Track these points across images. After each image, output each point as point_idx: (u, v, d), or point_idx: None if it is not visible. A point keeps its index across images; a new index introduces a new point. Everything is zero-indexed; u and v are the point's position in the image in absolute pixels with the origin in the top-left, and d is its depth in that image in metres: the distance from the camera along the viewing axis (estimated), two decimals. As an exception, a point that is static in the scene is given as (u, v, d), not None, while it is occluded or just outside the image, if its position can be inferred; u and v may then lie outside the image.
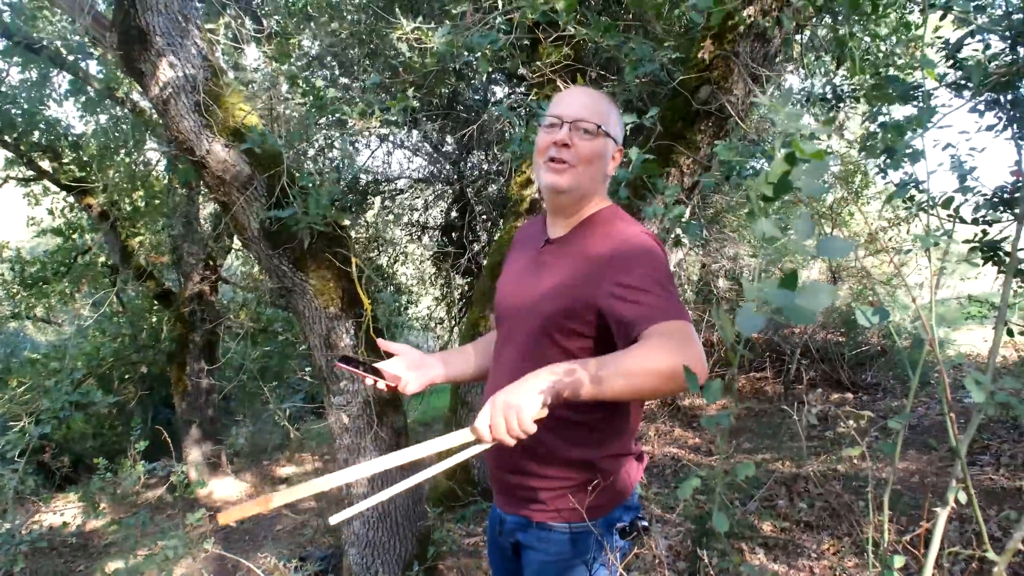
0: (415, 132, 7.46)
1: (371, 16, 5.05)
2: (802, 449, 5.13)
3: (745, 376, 7.78)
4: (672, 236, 3.42)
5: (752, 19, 3.05)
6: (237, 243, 7.98)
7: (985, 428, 5.06)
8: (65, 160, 7.00)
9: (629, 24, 3.96)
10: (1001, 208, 2.17)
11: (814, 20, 4.28)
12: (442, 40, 3.13)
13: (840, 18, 3.66)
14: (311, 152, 6.01)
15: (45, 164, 6.98)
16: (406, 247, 8.59)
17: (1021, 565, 3.11)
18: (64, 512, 6.03)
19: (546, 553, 1.58)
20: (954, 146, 2.09)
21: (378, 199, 7.96)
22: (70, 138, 6.79)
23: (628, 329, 1.38)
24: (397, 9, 3.50)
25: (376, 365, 1.70)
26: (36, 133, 6.54)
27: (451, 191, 7.91)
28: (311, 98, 3.32)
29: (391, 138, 7.42)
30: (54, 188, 7.54)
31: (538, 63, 4.05)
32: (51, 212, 8.10)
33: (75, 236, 8.15)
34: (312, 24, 5.58)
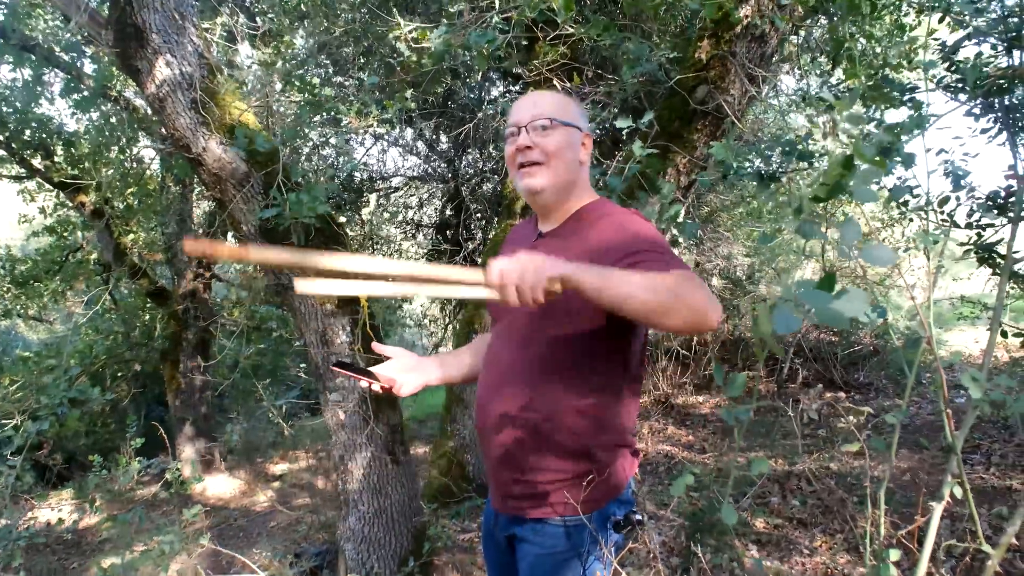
0: (410, 130, 7.46)
1: (366, 14, 5.04)
2: (796, 446, 5.16)
3: (754, 377, 7.81)
4: (668, 236, 3.44)
5: (749, 20, 3.07)
6: (231, 240, 7.97)
7: (976, 428, 5.09)
8: (58, 158, 6.97)
9: (626, 24, 3.97)
10: (995, 212, 2.19)
11: (809, 21, 4.31)
12: (439, 40, 3.14)
13: (836, 19, 3.68)
14: (306, 150, 6.01)
15: (37, 162, 6.95)
16: (401, 245, 8.59)
17: (1011, 563, 3.14)
18: (62, 509, 6.02)
19: (541, 546, 1.59)
20: (947, 151, 2.11)
21: (373, 197, 7.95)
22: (63, 136, 6.76)
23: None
24: (394, 8, 3.50)
25: (371, 368, 1.71)
26: (28, 131, 6.51)
27: (446, 189, 7.91)
28: (306, 96, 3.33)
29: (386, 136, 7.42)
30: (46, 186, 7.50)
31: (534, 62, 4.06)
32: (43, 211, 8.07)
33: (67, 234, 8.12)
34: (306, 22, 5.58)
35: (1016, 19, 1.76)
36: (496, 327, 1.73)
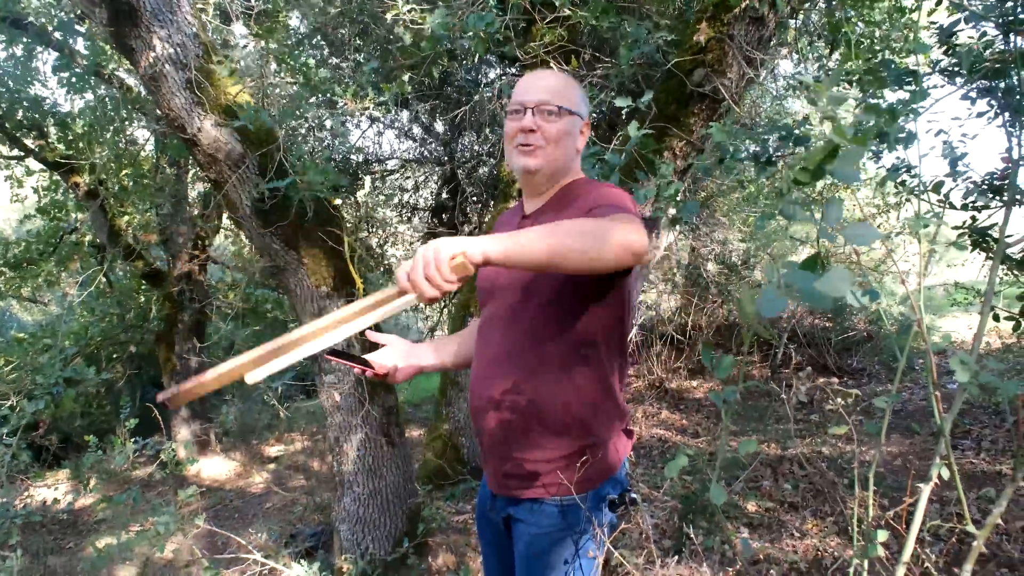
0: (406, 113, 7.43)
1: (363, -6, 5.01)
2: (788, 431, 5.19)
3: (742, 360, 7.83)
4: (667, 216, 3.44)
5: (748, 2, 3.05)
6: (226, 222, 7.95)
7: (967, 413, 5.13)
8: (51, 138, 6.93)
9: (624, 6, 3.95)
10: (990, 195, 2.20)
11: (807, 4, 4.29)
12: (438, 22, 3.12)
13: (835, 2, 3.66)
14: (302, 131, 5.98)
15: (30, 142, 6.90)
16: (396, 228, 8.57)
17: (998, 545, 3.18)
18: (58, 488, 6.04)
19: (537, 526, 1.61)
20: (946, 132, 2.12)
21: (369, 179, 7.93)
22: (56, 116, 6.71)
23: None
24: (391, -12, 3.48)
25: (364, 356, 1.72)
26: (20, 111, 6.46)
27: (442, 172, 7.89)
28: (301, 77, 3.31)
29: (382, 118, 7.38)
30: (38, 168, 7.46)
31: (532, 44, 4.04)
32: (36, 191, 8.03)
33: (61, 215, 8.08)
34: (301, 1, 5.53)
35: (1013, 2, 1.76)
36: (484, 311, 1.74)
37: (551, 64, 3.88)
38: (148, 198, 7.45)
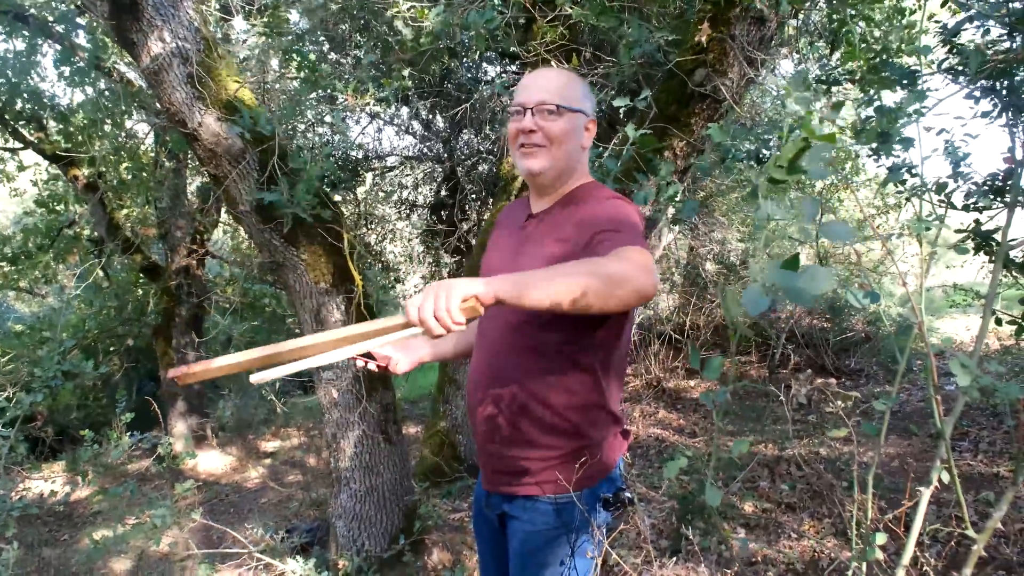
0: (406, 109, 7.41)
1: (364, -10, 4.99)
2: (786, 431, 5.19)
3: (729, 359, 7.84)
4: (667, 216, 3.43)
5: (749, 1, 3.05)
6: (225, 217, 7.93)
7: (965, 415, 5.13)
8: (51, 131, 6.91)
9: (625, 5, 3.94)
10: (992, 195, 2.19)
11: (808, 4, 4.28)
12: (438, 18, 3.11)
13: (836, 1, 3.66)
14: (301, 127, 5.97)
15: (28, 134, 6.89)
16: (395, 225, 8.57)
17: (996, 548, 3.18)
18: (54, 481, 6.03)
19: (532, 524, 1.61)
20: (948, 131, 2.11)
21: (368, 176, 7.92)
22: (56, 109, 6.70)
23: (589, 251, 1.43)
24: (392, -17, 3.47)
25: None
26: (19, 103, 6.44)
27: (441, 169, 7.88)
28: (304, 72, 3.30)
29: (382, 115, 7.37)
30: (33, 162, 7.45)
31: (532, 42, 4.03)
32: (35, 183, 8.01)
33: (59, 208, 8.07)
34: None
35: (1018, 2, 1.75)
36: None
37: (552, 62, 3.87)
38: (147, 192, 7.44)
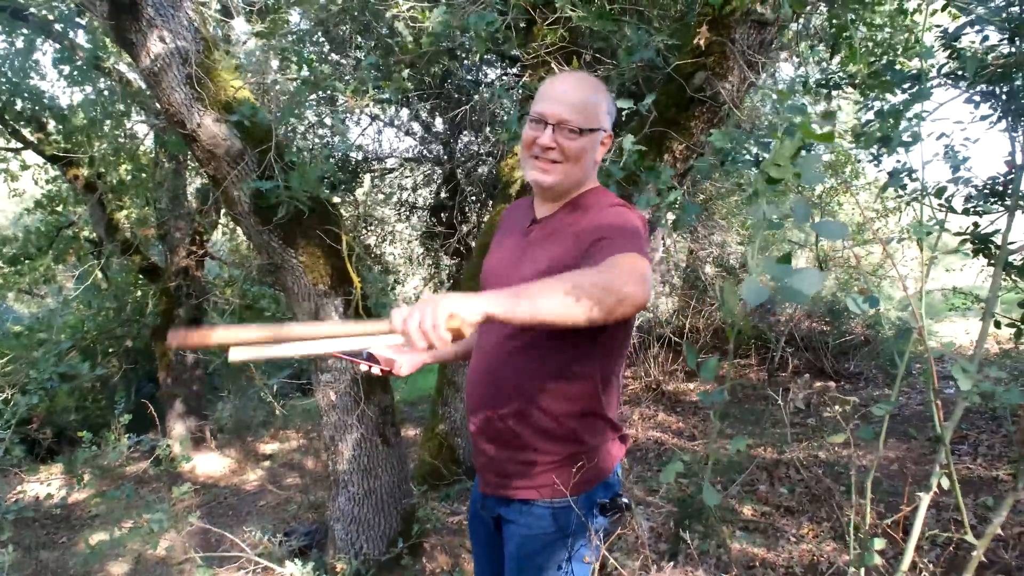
0: (405, 111, 7.41)
1: (364, -8, 4.99)
2: (785, 435, 5.18)
3: (728, 361, 7.83)
4: (668, 221, 3.43)
5: (750, 5, 3.04)
6: (224, 218, 7.93)
7: (964, 418, 5.13)
8: (50, 131, 6.91)
9: (625, 8, 3.94)
10: (992, 199, 2.19)
11: (808, 8, 4.28)
12: (438, 20, 3.11)
13: (837, 5, 3.65)
14: (301, 129, 5.97)
15: (28, 134, 6.88)
16: (395, 226, 8.56)
17: (995, 552, 3.17)
18: (51, 483, 6.01)
19: (528, 527, 1.60)
20: (948, 135, 2.11)
21: (368, 177, 7.91)
22: (55, 109, 6.69)
23: (584, 257, 1.43)
24: (392, -15, 3.46)
25: (370, 349, 1.72)
26: (19, 103, 6.44)
27: (441, 171, 7.87)
28: (304, 72, 3.29)
29: (382, 116, 7.37)
30: (34, 162, 7.45)
31: (533, 45, 4.02)
32: (36, 181, 8.01)
33: (60, 209, 8.07)
34: (303, -1, 5.51)
35: (1018, 7, 1.75)
36: None
37: (552, 65, 3.87)
38: (146, 193, 7.43)
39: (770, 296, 1.03)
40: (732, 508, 4.04)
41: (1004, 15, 1.76)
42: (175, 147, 5.65)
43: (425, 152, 7.94)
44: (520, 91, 4.25)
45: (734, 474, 4.50)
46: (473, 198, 7.68)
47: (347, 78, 4.72)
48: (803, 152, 1.03)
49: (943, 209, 1.82)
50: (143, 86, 5.79)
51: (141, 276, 7.78)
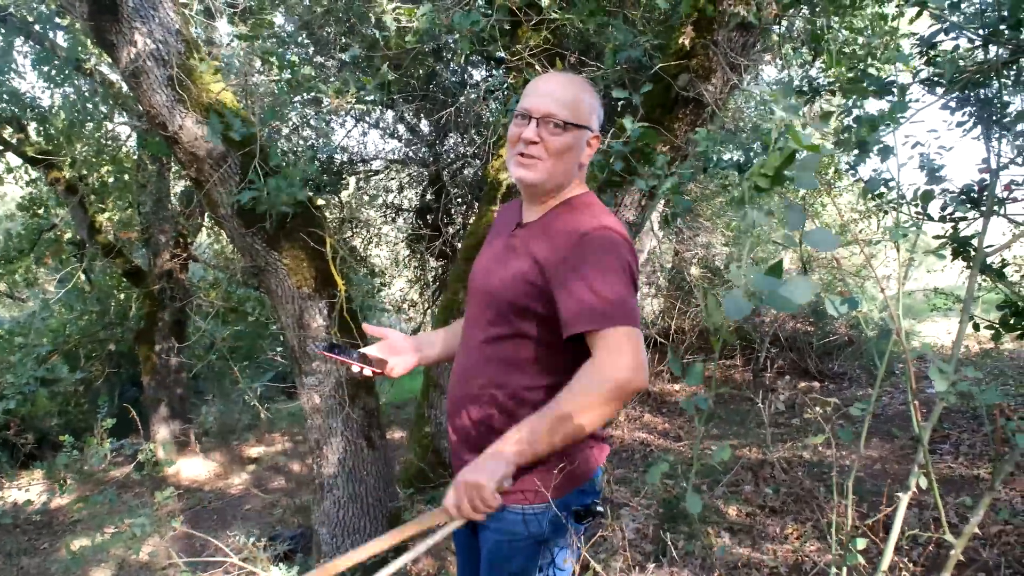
0: (391, 113, 7.39)
1: (348, -7, 4.98)
2: (768, 436, 5.21)
3: (713, 366, 7.86)
4: (656, 214, 3.45)
5: (732, 7, 3.06)
6: (208, 221, 7.88)
7: (945, 418, 5.18)
8: (31, 132, 6.84)
9: (610, 10, 3.96)
10: (968, 206, 2.21)
11: (791, 11, 4.31)
12: (424, 15, 3.11)
13: (818, 10, 3.68)
14: (285, 131, 5.94)
15: (8, 134, 6.81)
16: (380, 229, 8.54)
17: (975, 550, 3.20)
18: (29, 489, 5.95)
19: (498, 532, 1.59)
20: (923, 144, 2.13)
21: (353, 179, 7.89)
22: (36, 110, 6.63)
23: (566, 325, 1.44)
24: (376, -13, 3.46)
25: (362, 350, 1.71)
26: (-1, 104, 6.38)
27: (427, 173, 7.86)
28: (286, 74, 3.29)
29: (367, 118, 7.35)
30: (17, 163, 7.37)
31: (517, 47, 4.03)
32: (16, 180, 7.92)
33: (41, 211, 7.99)
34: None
35: (992, 14, 1.77)
36: (468, 312, 1.73)
37: (536, 67, 3.87)
38: (129, 195, 7.37)
39: (757, 302, 1.03)
40: (717, 509, 4.05)
41: (978, 22, 1.78)
42: (158, 149, 5.60)
43: (410, 154, 7.92)
44: (505, 92, 4.26)
45: (719, 475, 4.52)
46: (459, 200, 7.68)
47: (331, 79, 4.71)
48: (797, 157, 1.03)
49: (920, 216, 1.84)
50: (125, 87, 5.75)
51: (124, 279, 7.71)
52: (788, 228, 1.05)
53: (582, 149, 1.60)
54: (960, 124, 2.19)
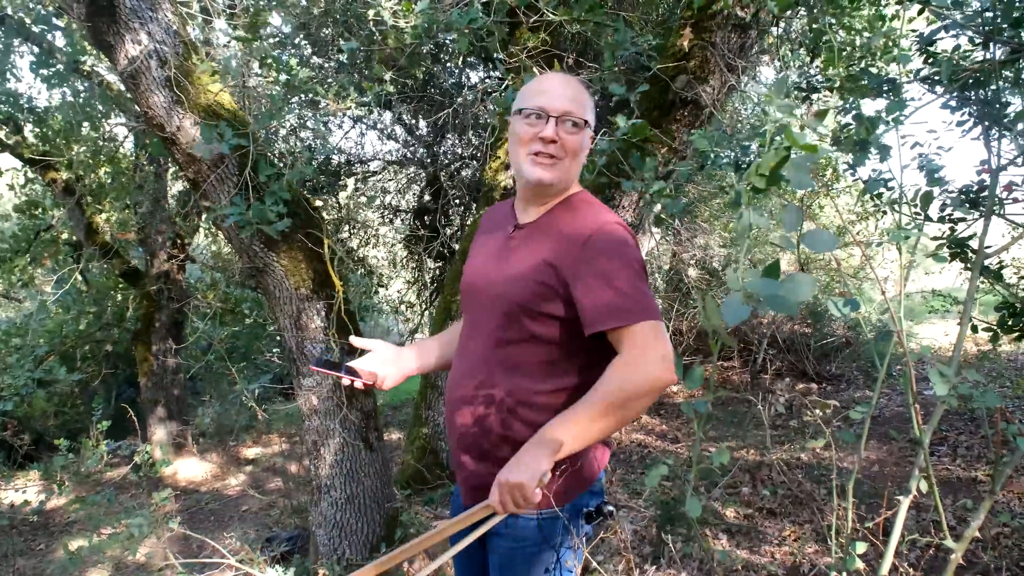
0: (388, 114, 7.39)
1: (346, -6, 4.97)
2: (767, 438, 5.21)
3: (711, 368, 7.86)
4: (652, 215, 3.44)
5: (730, 8, 3.06)
6: (205, 222, 7.86)
7: (943, 420, 5.18)
8: (27, 133, 6.82)
9: (608, 12, 3.96)
10: (968, 206, 2.21)
11: (788, 12, 4.30)
12: (422, 11, 3.10)
13: (816, 11, 3.68)
14: (282, 132, 5.93)
15: (4, 135, 6.79)
16: (378, 230, 8.53)
17: (974, 553, 3.20)
18: (26, 490, 5.93)
19: (513, 540, 1.58)
20: (921, 144, 2.12)
21: (351, 180, 7.88)
22: (33, 111, 6.61)
23: (590, 323, 1.44)
24: (374, -12, 3.45)
25: (351, 364, 1.70)
26: (-2, 105, 6.36)
27: (424, 174, 7.85)
28: (284, 76, 3.27)
29: (364, 119, 7.34)
30: (15, 164, 7.35)
31: (515, 48, 4.03)
32: (12, 187, 7.90)
33: (39, 212, 7.97)
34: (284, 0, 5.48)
35: (992, 13, 1.77)
36: (466, 318, 1.71)
37: (534, 68, 3.87)
38: (126, 196, 7.35)
39: (755, 304, 1.02)
40: (715, 511, 4.05)
41: (979, 20, 1.78)
42: (155, 150, 5.59)
43: (408, 155, 7.92)
44: (502, 94, 4.25)
45: (717, 477, 4.52)
46: (457, 201, 7.67)
47: (329, 80, 4.71)
48: (792, 156, 1.03)
49: (918, 216, 1.84)
50: (123, 88, 5.73)
51: (121, 280, 7.70)
52: (785, 229, 1.05)
53: (588, 145, 1.61)
54: (960, 124, 2.18)
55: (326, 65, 5.81)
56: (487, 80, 6.58)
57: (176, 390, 7.24)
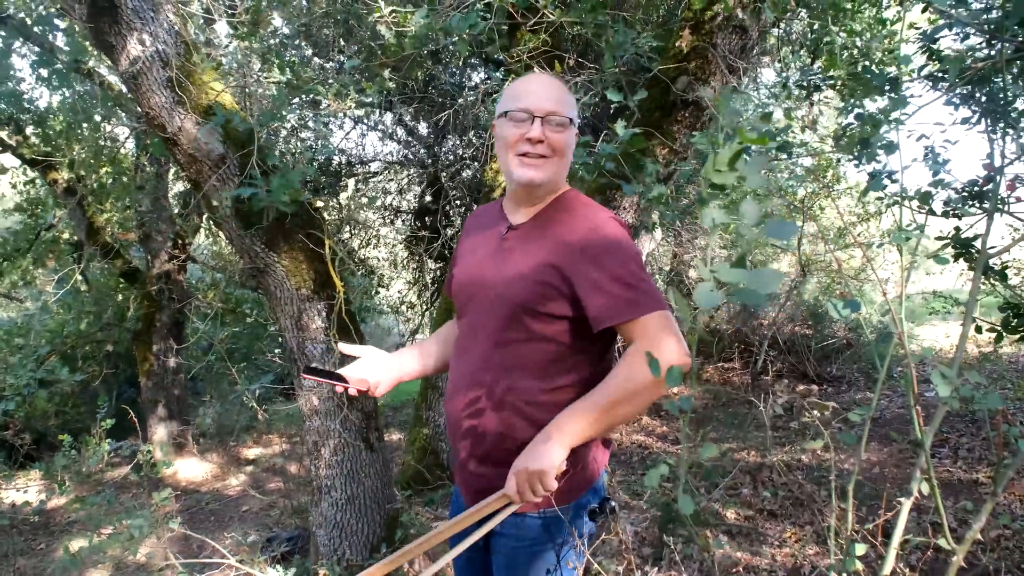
0: (389, 115, 7.39)
1: (347, -5, 4.97)
2: (767, 439, 5.21)
3: (713, 366, 7.87)
4: (650, 219, 3.44)
5: (731, 10, 3.06)
6: (206, 222, 7.87)
7: (944, 422, 5.17)
8: (29, 134, 6.83)
9: (609, 13, 3.96)
10: (971, 202, 2.21)
11: (789, 14, 4.31)
12: (421, 22, 3.10)
13: (817, 12, 3.68)
14: (284, 132, 5.93)
15: (5, 135, 6.80)
16: (379, 230, 8.53)
17: (974, 555, 3.20)
18: (27, 489, 5.93)
19: (518, 539, 1.59)
20: (928, 137, 2.12)
21: (351, 181, 7.88)
22: (35, 111, 6.62)
23: (599, 320, 1.45)
24: (375, -11, 3.45)
25: (340, 372, 1.69)
26: (-1, 105, 6.37)
27: (425, 175, 7.85)
28: (286, 76, 3.27)
29: (365, 120, 7.35)
30: (15, 163, 7.35)
31: (516, 49, 4.03)
32: (14, 186, 7.91)
33: (40, 212, 7.98)
34: (285, 1, 5.48)
35: (997, 10, 1.77)
36: (463, 320, 1.70)
37: (535, 69, 3.87)
38: (127, 196, 7.36)
39: (746, 301, 1.03)
40: (716, 512, 4.05)
41: (983, 17, 1.77)
42: (157, 150, 5.60)
43: (409, 156, 7.92)
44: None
45: (718, 478, 4.52)
46: (457, 202, 7.67)
47: (330, 81, 4.70)
48: (746, 156, 1.05)
49: (923, 212, 1.83)
50: (124, 89, 5.74)
51: (122, 280, 7.70)
52: (746, 222, 1.07)
53: (574, 144, 1.62)
54: (965, 120, 2.18)
55: (327, 66, 5.81)
56: (488, 81, 6.57)
57: (177, 390, 7.24)
